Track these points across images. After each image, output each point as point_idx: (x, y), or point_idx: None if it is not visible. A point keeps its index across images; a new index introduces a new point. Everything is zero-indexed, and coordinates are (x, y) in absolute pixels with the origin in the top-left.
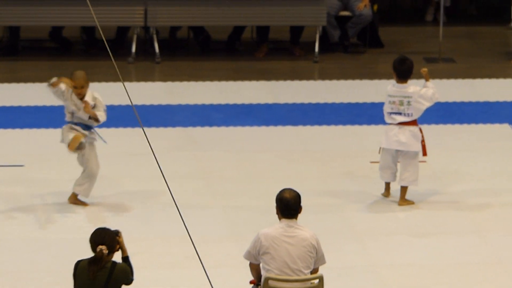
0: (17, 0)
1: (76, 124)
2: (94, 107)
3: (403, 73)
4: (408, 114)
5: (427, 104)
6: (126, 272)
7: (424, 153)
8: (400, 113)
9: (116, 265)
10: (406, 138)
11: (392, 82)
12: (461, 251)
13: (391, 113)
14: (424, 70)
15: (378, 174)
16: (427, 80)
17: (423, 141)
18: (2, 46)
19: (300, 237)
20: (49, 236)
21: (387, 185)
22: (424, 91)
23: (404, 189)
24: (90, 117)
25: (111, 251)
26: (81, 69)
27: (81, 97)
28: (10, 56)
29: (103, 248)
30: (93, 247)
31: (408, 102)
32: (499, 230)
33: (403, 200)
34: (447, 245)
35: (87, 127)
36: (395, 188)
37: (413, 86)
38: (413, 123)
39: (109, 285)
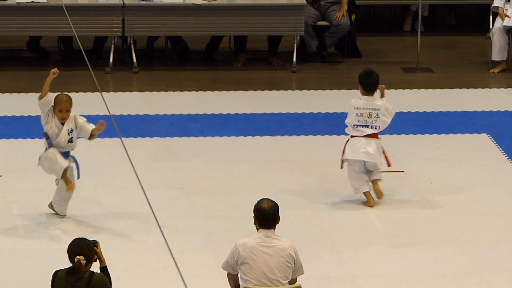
0: None
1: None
2: (71, 131)
3: (370, 86)
4: (375, 126)
5: (390, 118)
6: (104, 282)
7: (388, 164)
8: (367, 126)
9: (94, 275)
10: (373, 150)
11: (358, 95)
12: (439, 261)
13: (357, 125)
14: (382, 86)
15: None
16: (383, 96)
17: (384, 152)
18: None
19: (278, 248)
20: (26, 247)
21: (367, 194)
22: (389, 105)
23: (376, 181)
24: (68, 142)
25: (89, 261)
26: (58, 78)
27: (65, 121)
28: None
29: (80, 258)
30: (71, 257)
31: (377, 114)
32: (478, 240)
33: (380, 191)
34: (425, 256)
35: (65, 154)
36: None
37: (379, 99)
38: (377, 135)
39: None
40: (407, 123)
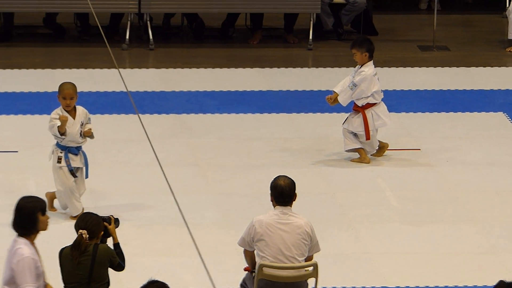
0: None
1: (65, 148)
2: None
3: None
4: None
5: None
6: (109, 251)
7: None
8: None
9: (98, 247)
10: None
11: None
12: (455, 239)
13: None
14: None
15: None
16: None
17: None
18: None
19: (295, 225)
20: None
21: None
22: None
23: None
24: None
25: (93, 236)
26: (74, 55)
27: (69, 109)
28: (4, 42)
29: (83, 232)
30: (76, 231)
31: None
32: (493, 218)
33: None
34: (441, 234)
35: (77, 149)
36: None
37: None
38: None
39: (95, 268)
40: (423, 101)
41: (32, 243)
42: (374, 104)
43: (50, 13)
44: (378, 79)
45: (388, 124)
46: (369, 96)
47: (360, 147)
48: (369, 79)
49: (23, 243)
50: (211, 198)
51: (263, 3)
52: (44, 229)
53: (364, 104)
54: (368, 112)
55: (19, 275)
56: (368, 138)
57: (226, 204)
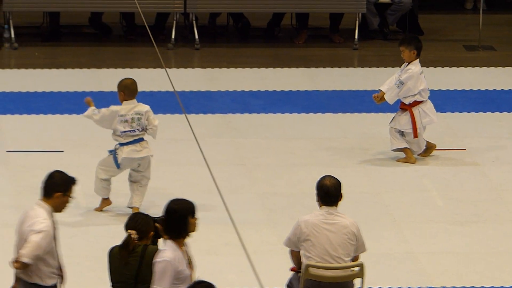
0: None
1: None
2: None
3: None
4: None
5: None
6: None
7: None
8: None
9: (147, 248)
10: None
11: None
12: (500, 239)
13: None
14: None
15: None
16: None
17: None
18: (42, 32)
19: (341, 225)
20: (88, 222)
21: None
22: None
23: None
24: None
25: (143, 236)
26: (120, 54)
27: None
28: (50, 42)
29: (132, 232)
30: (126, 231)
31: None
32: None
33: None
34: (486, 234)
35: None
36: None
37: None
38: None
39: (142, 268)
40: (469, 101)
41: (180, 247)
42: (421, 101)
43: (96, 13)
44: (424, 77)
45: (435, 121)
46: (416, 94)
47: (406, 147)
48: (415, 76)
49: (169, 245)
50: (256, 197)
51: (308, 3)
52: (193, 231)
53: (411, 102)
54: (415, 110)
55: (156, 275)
56: (415, 136)
57: (271, 203)
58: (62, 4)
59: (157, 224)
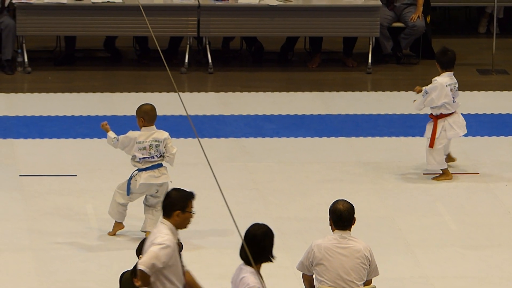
0: (72, 10)
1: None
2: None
3: (446, 63)
4: (456, 101)
5: None
6: None
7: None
8: (454, 101)
9: None
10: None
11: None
12: None
13: (454, 101)
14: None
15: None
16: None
17: None
18: (56, 56)
19: (354, 249)
20: (101, 247)
21: (447, 170)
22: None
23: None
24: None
25: None
26: (133, 78)
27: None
28: (65, 66)
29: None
30: (137, 256)
31: (456, 89)
32: None
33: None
34: (500, 258)
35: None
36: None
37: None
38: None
39: None
40: (482, 125)
41: (258, 272)
42: (448, 114)
43: (110, 37)
44: (453, 90)
45: (461, 135)
46: (440, 106)
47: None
48: (439, 88)
49: (248, 271)
50: (269, 221)
51: (322, 27)
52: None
53: (438, 114)
54: (440, 122)
55: None
56: (431, 145)
57: (285, 228)
58: (75, 29)
59: None
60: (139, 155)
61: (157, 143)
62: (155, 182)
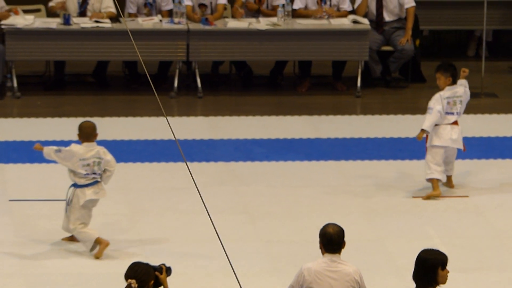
0: (62, 35)
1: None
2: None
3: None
4: (458, 113)
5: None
6: None
7: (464, 149)
8: (452, 113)
9: None
10: (457, 135)
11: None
12: (504, 287)
13: (447, 113)
14: (465, 71)
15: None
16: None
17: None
18: (45, 81)
19: (344, 272)
20: (90, 271)
21: (436, 182)
22: (467, 90)
23: (450, 176)
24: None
25: (143, 286)
26: (123, 103)
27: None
28: (54, 91)
29: (132, 282)
30: (126, 280)
31: (460, 101)
32: None
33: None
34: (489, 281)
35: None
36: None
37: (459, 87)
38: (457, 122)
39: None
40: (471, 148)
41: None
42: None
43: (101, 65)
44: (451, 103)
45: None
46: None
47: (437, 177)
48: (436, 97)
49: None
50: (260, 245)
51: (311, 51)
52: (443, 283)
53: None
54: (435, 129)
55: None
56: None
57: (275, 251)
58: (64, 53)
59: (157, 273)
60: (83, 172)
61: (99, 160)
62: (97, 198)
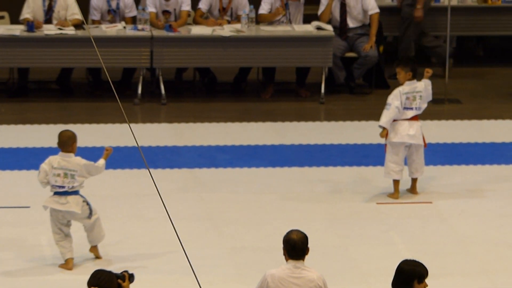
0: (25, 42)
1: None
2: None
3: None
4: (418, 108)
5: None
6: None
7: (425, 145)
8: (411, 108)
9: None
10: (415, 131)
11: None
12: None
13: (405, 108)
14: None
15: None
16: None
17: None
18: (9, 88)
19: (307, 278)
20: (56, 278)
21: (397, 184)
22: (429, 88)
23: (415, 180)
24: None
25: None
26: (86, 110)
27: None
28: (18, 97)
29: None
30: None
31: (420, 96)
32: (506, 271)
33: (416, 189)
34: (453, 286)
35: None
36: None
37: (419, 82)
38: (417, 118)
39: None
40: (435, 154)
41: None
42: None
43: (65, 73)
44: (410, 98)
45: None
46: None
47: (394, 178)
48: (395, 93)
49: None
50: (223, 252)
51: (275, 57)
52: None
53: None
54: (393, 125)
55: None
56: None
57: (239, 258)
58: (28, 60)
59: (119, 281)
60: (52, 181)
61: (72, 172)
62: (61, 209)
